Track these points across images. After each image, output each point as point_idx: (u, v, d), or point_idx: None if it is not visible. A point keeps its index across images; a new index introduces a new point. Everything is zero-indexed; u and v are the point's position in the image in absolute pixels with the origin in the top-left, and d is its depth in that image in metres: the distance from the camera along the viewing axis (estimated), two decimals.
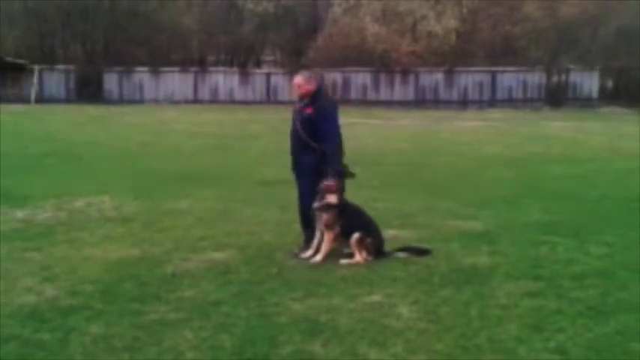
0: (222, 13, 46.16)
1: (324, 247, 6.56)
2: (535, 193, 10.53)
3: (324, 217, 6.58)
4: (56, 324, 4.86)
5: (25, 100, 39.01)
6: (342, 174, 6.67)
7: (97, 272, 6.14)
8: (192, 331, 4.74)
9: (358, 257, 6.49)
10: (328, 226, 6.57)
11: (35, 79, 40.37)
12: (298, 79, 6.90)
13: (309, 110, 6.72)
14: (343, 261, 6.49)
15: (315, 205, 6.63)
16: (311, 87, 6.82)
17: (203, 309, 5.19)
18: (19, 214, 8.67)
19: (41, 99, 39.89)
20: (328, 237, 6.57)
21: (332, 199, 6.55)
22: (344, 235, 6.60)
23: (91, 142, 18.56)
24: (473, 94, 41.08)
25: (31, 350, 4.46)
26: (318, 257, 6.53)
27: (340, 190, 6.62)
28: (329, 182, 6.53)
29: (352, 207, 6.79)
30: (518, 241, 7.38)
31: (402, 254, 6.65)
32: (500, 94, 40.93)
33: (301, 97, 6.87)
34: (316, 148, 6.67)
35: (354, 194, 7.17)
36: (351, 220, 6.64)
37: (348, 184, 6.86)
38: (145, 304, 5.29)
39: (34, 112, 33.07)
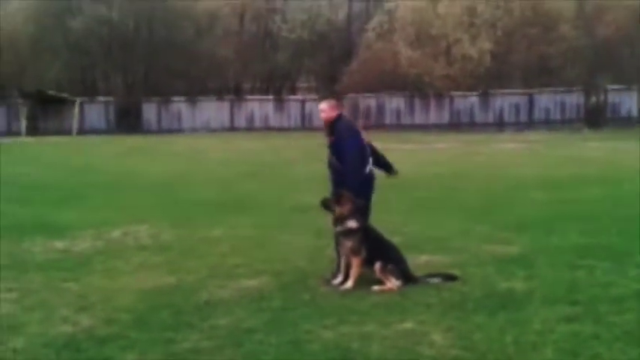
0: (258, 42, 46.88)
1: (354, 273, 6.54)
2: (572, 216, 10.34)
3: (348, 244, 6.57)
4: (92, 354, 4.93)
5: (67, 132, 39.95)
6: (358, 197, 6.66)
7: (133, 301, 6.22)
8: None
9: (389, 284, 6.46)
10: (354, 252, 6.55)
11: (76, 112, 41.33)
12: (323, 104, 7.08)
13: (331, 139, 6.89)
14: (375, 287, 6.45)
15: (338, 229, 6.65)
16: (332, 114, 6.95)
17: (236, 337, 5.21)
18: (59, 244, 8.83)
19: (82, 131, 40.79)
20: (356, 262, 6.54)
21: (352, 224, 6.56)
22: (366, 263, 6.57)
23: (130, 172, 18.86)
24: (509, 117, 40.75)
25: None
26: (349, 284, 6.51)
27: (359, 213, 6.60)
28: (342, 208, 6.54)
29: (372, 233, 6.74)
30: (554, 264, 7.26)
31: (434, 280, 6.59)
32: (538, 116, 40.52)
33: (325, 125, 7.00)
34: None
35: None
36: (372, 248, 6.59)
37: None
38: (179, 332, 5.33)
39: (75, 143, 33.81)
